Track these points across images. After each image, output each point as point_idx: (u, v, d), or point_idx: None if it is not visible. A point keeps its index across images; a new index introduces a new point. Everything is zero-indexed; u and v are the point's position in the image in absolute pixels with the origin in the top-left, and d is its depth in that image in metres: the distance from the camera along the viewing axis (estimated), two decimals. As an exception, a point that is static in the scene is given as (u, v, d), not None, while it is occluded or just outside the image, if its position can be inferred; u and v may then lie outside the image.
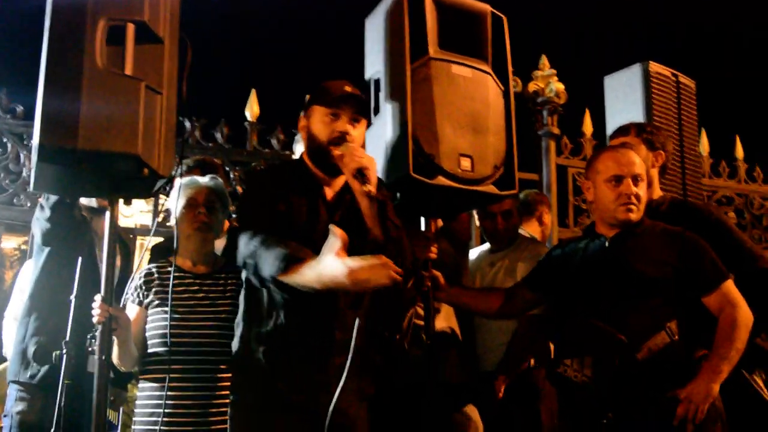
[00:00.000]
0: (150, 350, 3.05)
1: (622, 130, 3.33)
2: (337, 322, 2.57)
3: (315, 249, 2.49)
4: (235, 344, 2.69)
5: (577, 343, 2.81)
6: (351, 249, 2.53)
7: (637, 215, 2.88)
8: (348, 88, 2.64)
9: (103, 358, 2.59)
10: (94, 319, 2.63)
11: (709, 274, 2.81)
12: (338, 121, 2.63)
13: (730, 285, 2.80)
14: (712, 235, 2.96)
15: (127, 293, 3.12)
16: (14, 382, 3.49)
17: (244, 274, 2.67)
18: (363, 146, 2.72)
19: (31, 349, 3.44)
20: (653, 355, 2.69)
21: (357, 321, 2.46)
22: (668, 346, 2.72)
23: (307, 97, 2.76)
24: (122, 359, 2.95)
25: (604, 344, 2.71)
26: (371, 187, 2.48)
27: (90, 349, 2.64)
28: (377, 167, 2.80)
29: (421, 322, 3.15)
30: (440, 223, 3.38)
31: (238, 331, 2.69)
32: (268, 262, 2.40)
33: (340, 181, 2.72)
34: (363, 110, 2.70)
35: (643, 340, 2.70)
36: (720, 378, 2.70)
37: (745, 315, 2.77)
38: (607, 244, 2.91)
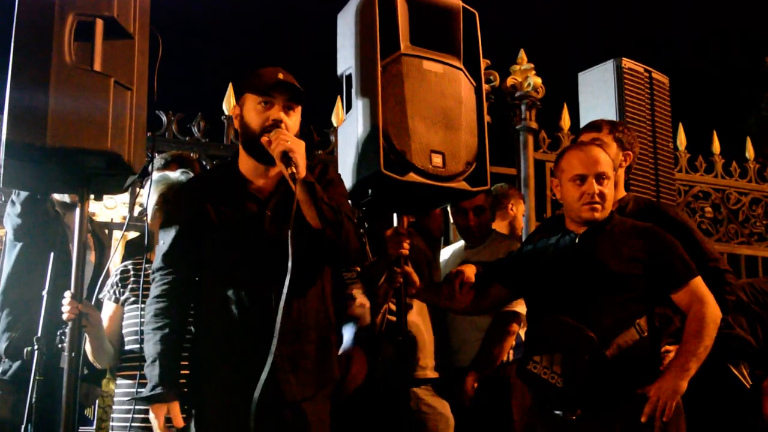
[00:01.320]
0: (126, 347, 3.04)
1: (594, 126, 3.33)
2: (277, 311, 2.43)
3: (247, 246, 2.56)
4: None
5: (546, 340, 2.81)
6: (284, 242, 2.46)
7: (601, 214, 2.87)
8: (281, 75, 2.60)
9: (73, 354, 2.58)
10: (64, 316, 2.62)
11: (677, 271, 2.82)
12: (271, 108, 2.60)
13: (698, 281, 2.81)
14: (674, 234, 2.99)
15: (103, 290, 3.11)
16: (-15, 377, 3.47)
17: None
18: (297, 134, 2.66)
19: (2, 345, 3.43)
20: (622, 352, 2.70)
21: (281, 304, 2.37)
22: (637, 342, 2.73)
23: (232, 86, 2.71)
24: (97, 356, 2.94)
25: (573, 341, 2.72)
26: (294, 169, 2.43)
27: (60, 345, 2.64)
28: (350, 162, 2.82)
29: (394, 318, 3.16)
30: (411, 219, 3.38)
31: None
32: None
33: (275, 174, 2.68)
34: (296, 97, 2.64)
35: (612, 336, 2.70)
36: (688, 375, 2.70)
37: (713, 312, 2.78)
38: (577, 240, 2.92)
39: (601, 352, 2.68)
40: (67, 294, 2.64)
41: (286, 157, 2.45)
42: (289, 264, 2.34)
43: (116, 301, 3.08)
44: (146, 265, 3.09)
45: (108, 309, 3.08)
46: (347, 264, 2.84)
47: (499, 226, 4.30)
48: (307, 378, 2.58)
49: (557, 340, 2.77)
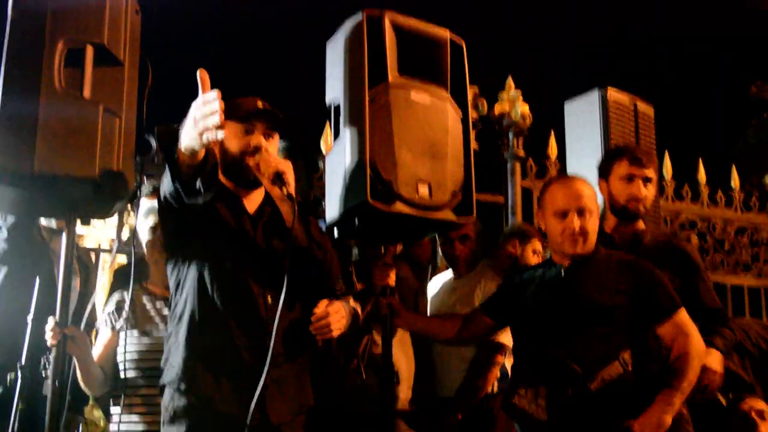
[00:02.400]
0: (125, 376, 3.05)
1: (649, 160, 3.40)
2: (269, 332, 2.47)
3: (240, 261, 2.56)
4: (174, 360, 2.61)
5: (531, 373, 2.82)
6: (274, 257, 2.58)
7: (583, 248, 2.88)
8: (260, 104, 2.66)
9: (57, 383, 2.56)
10: (48, 342, 2.61)
11: (662, 304, 2.83)
12: (251, 135, 2.65)
13: (683, 315, 2.83)
14: (685, 273, 3.08)
15: (99, 318, 3.15)
16: (-35, 404, 3.44)
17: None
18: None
19: (-16, 372, 3.40)
20: (606, 385, 2.70)
21: (275, 327, 2.41)
22: (621, 376, 2.73)
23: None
24: (87, 381, 2.94)
25: (558, 374, 2.72)
26: (291, 189, 2.50)
27: (44, 373, 2.62)
28: (337, 192, 2.82)
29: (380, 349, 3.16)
30: (400, 248, 3.39)
31: (175, 349, 2.63)
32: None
33: (257, 196, 2.75)
34: (276, 125, 2.71)
35: (596, 369, 2.71)
36: (673, 410, 2.71)
37: (698, 345, 2.79)
38: (562, 273, 2.93)
39: (585, 385, 2.68)
40: (51, 320, 2.63)
41: (279, 178, 2.51)
42: (284, 282, 2.40)
43: (112, 328, 3.09)
44: (141, 294, 3.12)
45: (103, 336, 3.10)
46: (330, 285, 2.84)
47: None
48: (288, 401, 2.59)
49: (542, 373, 2.78)
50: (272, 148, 2.69)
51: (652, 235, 3.39)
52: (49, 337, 2.61)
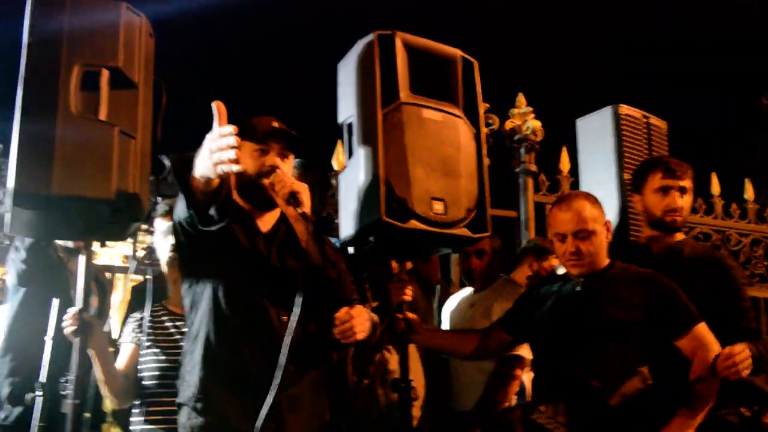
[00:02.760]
0: (141, 392, 3.07)
1: (684, 171, 3.32)
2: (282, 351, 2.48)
3: (254, 281, 2.57)
4: (191, 379, 2.62)
5: (550, 390, 2.81)
6: (288, 277, 2.58)
7: (582, 269, 2.90)
8: (275, 124, 2.67)
9: (77, 401, 2.58)
10: (66, 330, 2.64)
11: (679, 317, 2.81)
12: (267, 156, 2.66)
13: (702, 328, 2.80)
14: (721, 287, 3.04)
15: (122, 335, 3.16)
16: (-14, 423, 3.47)
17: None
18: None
19: (4, 391, 3.43)
20: (626, 400, 2.68)
21: (286, 339, 2.41)
22: (641, 390, 2.72)
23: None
24: (110, 385, 2.94)
25: (577, 390, 2.72)
26: (306, 208, 2.49)
27: (63, 393, 2.64)
28: (351, 210, 2.84)
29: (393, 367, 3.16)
30: (409, 265, 3.40)
31: (191, 368, 2.64)
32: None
33: (271, 216, 2.75)
34: (291, 146, 2.71)
35: (616, 385, 2.69)
36: (694, 423, 2.69)
37: None
38: (578, 288, 2.93)
39: (605, 401, 2.67)
40: (71, 309, 2.66)
41: (295, 198, 2.50)
42: (298, 302, 2.40)
43: (136, 343, 3.13)
44: (161, 313, 3.15)
45: (126, 349, 3.13)
46: (344, 302, 2.84)
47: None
48: (304, 419, 2.59)
49: (561, 389, 2.77)
50: (287, 168, 2.70)
51: (692, 247, 3.32)
52: (68, 323, 2.64)
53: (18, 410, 3.37)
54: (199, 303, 2.66)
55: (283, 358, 2.41)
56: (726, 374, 2.65)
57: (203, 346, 2.59)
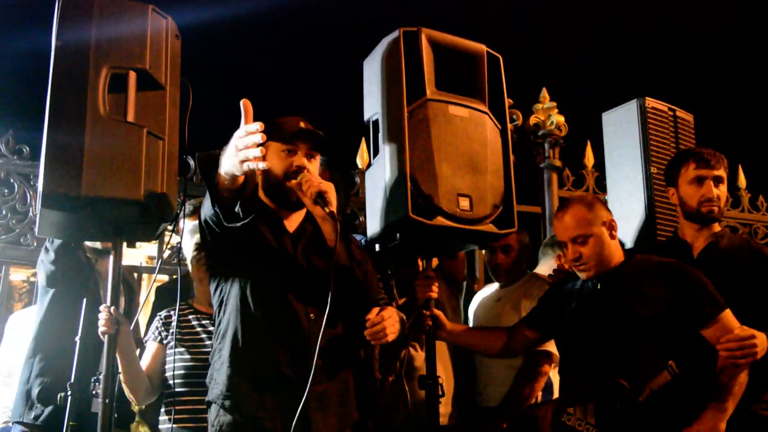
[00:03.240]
0: (168, 390, 3.10)
1: (718, 161, 3.29)
2: (312, 348, 2.53)
3: (281, 280, 2.59)
4: (219, 377, 2.64)
5: (578, 391, 2.80)
6: (316, 276, 2.60)
7: (589, 273, 2.95)
8: (302, 124, 2.69)
9: (107, 401, 2.60)
10: (101, 330, 2.67)
11: (705, 307, 2.79)
12: (294, 156, 2.68)
13: (728, 315, 2.78)
14: (763, 275, 3.02)
15: (147, 333, 3.20)
16: (18, 422, 3.50)
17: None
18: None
19: (35, 390, 3.46)
20: (655, 395, 2.67)
21: (320, 336, 2.44)
22: (669, 383, 2.70)
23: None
24: (132, 385, 2.98)
25: (605, 390, 2.70)
26: (333, 208, 2.51)
27: (94, 392, 2.66)
28: (377, 207, 2.84)
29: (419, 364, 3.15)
30: (435, 262, 3.39)
31: (220, 366, 2.66)
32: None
33: (297, 216, 2.78)
34: (319, 145, 2.73)
35: (643, 381, 2.68)
36: (726, 415, 2.68)
37: None
38: (598, 286, 2.93)
39: (633, 398, 2.66)
40: (103, 307, 2.68)
41: (322, 198, 2.52)
42: (328, 301, 2.43)
43: (160, 342, 3.16)
44: (188, 312, 3.17)
45: (151, 348, 3.17)
46: (371, 300, 2.85)
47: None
48: (332, 418, 2.60)
49: (589, 390, 2.76)
50: (314, 168, 2.72)
51: (729, 238, 3.28)
52: (102, 321, 2.67)
53: (49, 410, 3.40)
54: (227, 301, 2.68)
55: (313, 357, 2.42)
56: (729, 357, 2.64)
57: (231, 344, 2.61)
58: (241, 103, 2.28)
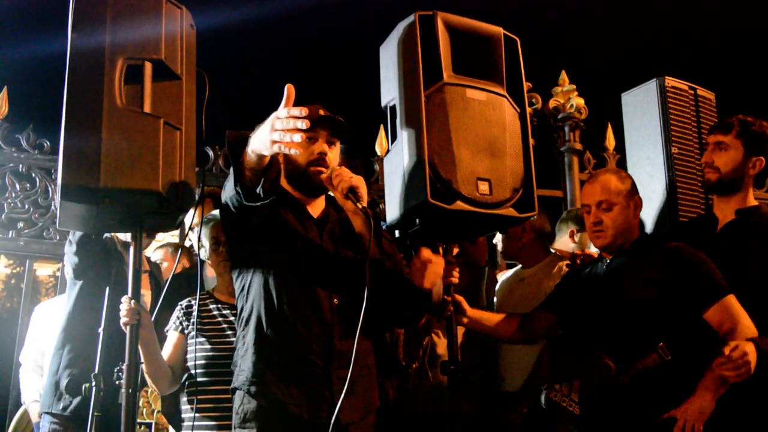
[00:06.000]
0: (190, 380, 3.11)
1: (722, 127, 3.22)
2: (336, 333, 2.59)
3: (306, 265, 2.60)
4: (243, 364, 2.66)
5: (567, 368, 2.82)
6: (341, 261, 2.64)
7: (603, 240, 2.95)
8: (322, 111, 2.69)
9: (130, 391, 2.62)
10: (122, 321, 2.68)
11: (706, 290, 2.78)
12: (315, 143, 2.70)
13: (730, 300, 2.76)
14: None
15: (168, 323, 3.21)
16: (47, 413, 3.54)
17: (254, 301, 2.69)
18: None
19: (63, 381, 3.50)
20: (642, 376, 2.68)
21: (358, 331, 2.46)
22: (659, 366, 2.69)
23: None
24: (154, 375, 2.99)
25: (590, 368, 2.71)
26: (364, 203, 2.56)
27: (118, 382, 2.68)
28: (396, 192, 2.83)
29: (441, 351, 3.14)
30: (456, 250, 3.38)
31: (244, 352, 2.68)
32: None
33: (320, 202, 2.81)
34: (338, 132, 2.75)
35: (631, 362, 2.69)
36: (714, 395, 2.65)
37: (746, 332, 2.70)
38: (604, 267, 2.94)
39: (617, 378, 2.66)
40: (125, 298, 2.70)
41: (354, 194, 2.56)
42: (365, 294, 2.44)
43: (181, 331, 3.16)
44: (208, 301, 3.18)
45: (172, 338, 3.18)
46: (396, 294, 2.84)
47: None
48: (357, 403, 2.62)
49: (577, 367, 2.77)
50: (334, 155, 2.74)
51: (761, 216, 3.16)
52: (124, 311, 2.68)
53: (77, 400, 3.44)
54: (249, 288, 2.69)
55: (337, 343, 2.43)
56: (727, 376, 2.61)
57: (255, 330, 2.63)
58: (286, 87, 2.28)
